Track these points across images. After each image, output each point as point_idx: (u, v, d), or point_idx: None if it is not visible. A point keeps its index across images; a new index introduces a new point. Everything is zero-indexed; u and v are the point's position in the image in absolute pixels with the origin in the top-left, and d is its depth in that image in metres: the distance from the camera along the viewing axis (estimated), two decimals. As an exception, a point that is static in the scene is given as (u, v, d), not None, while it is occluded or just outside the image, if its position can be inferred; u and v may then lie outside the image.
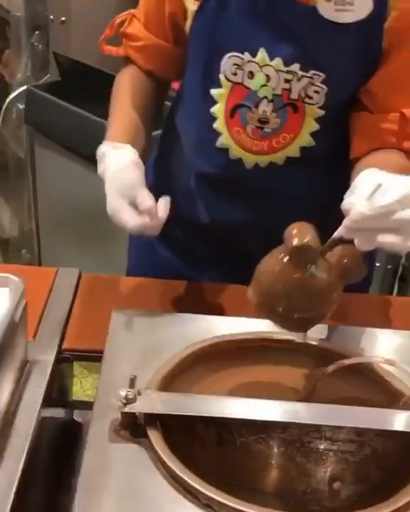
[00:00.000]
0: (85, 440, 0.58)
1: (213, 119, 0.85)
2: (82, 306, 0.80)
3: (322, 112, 0.81)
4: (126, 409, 0.58)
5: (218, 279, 0.90)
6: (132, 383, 0.59)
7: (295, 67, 0.79)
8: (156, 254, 0.96)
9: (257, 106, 0.82)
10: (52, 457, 0.68)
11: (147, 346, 0.67)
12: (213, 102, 0.84)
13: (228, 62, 0.81)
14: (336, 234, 0.64)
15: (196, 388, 0.64)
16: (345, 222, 0.63)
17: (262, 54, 0.79)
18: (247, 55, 0.80)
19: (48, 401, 0.64)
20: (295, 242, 0.63)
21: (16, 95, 1.59)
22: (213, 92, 0.84)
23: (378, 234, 0.62)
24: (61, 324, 0.75)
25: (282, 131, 0.82)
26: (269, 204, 0.88)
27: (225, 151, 0.85)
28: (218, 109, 0.84)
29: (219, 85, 0.83)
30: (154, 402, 0.59)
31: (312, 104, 0.80)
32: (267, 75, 0.80)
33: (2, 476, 0.55)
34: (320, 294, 0.65)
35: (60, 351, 0.72)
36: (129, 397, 0.58)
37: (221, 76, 0.82)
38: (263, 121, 0.82)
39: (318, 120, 0.81)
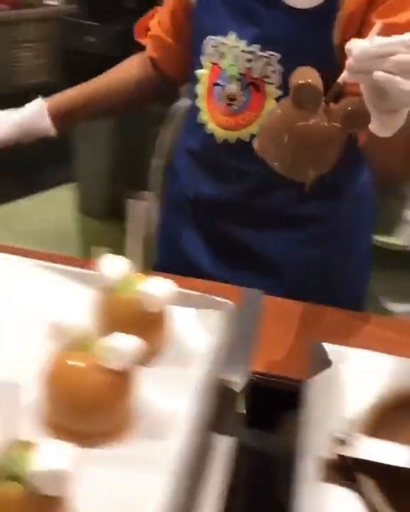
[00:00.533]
0: (291, 474, 0.57)
1: (196, 96, 0.97)
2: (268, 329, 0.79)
3: (280, 92, 0.88)
4: (341, 452, 0.57)
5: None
6: (345, 425, 0.58)
7: (256, 47, 0.89)
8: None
9: (227, 84, 0.92)
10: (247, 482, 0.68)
11: (350, 385, 0.65)
12: (197, 81, 0.96)
13: (207, 44, 0.93)
14: (340, 78, 0.65)
15: (402, 436, 0.62)
16: (348, 62, 0.63)
17: (231, 36, 0.90)
18: (220, 38, 0.91)
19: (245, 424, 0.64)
20: (298, 80, 0.64)
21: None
22: (198, 72, 0.95)
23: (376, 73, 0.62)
24: (252, 347, 0.75)
25: (247, 109, 0.92)
26: (242, 182, 0.95)
27: (202, 126, 0.96)
28: (199, 88, 0.96)
29: (201, 66, 0.95)
30: (369, 448, 0.57)
31: (271, 84, 0.89)
32: (234, 56, 0.90)
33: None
34: (321, 137, 0.66)
35: (251, 375, 0.71)
36: (342, 438, 0.57)
37: (202, 57, 0.94)
38: (232, 99, 0.92)
39: (278, 100, 0.88)
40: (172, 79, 1.05)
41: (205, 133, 0.96)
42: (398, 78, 0.63)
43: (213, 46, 0.92)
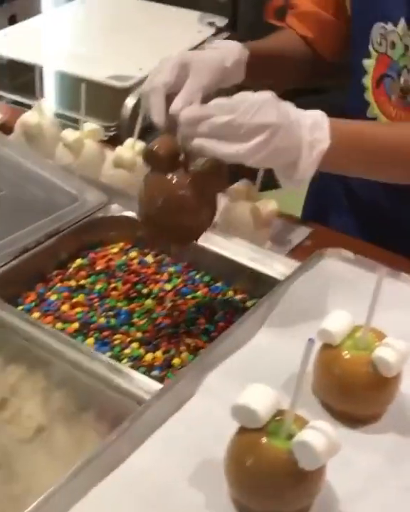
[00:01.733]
0: None
1: (364, 89, 0.90)
2: None
3: None
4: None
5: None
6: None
7: None
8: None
9: (399, 76, 0.85)
10: None
11: None
12: (364, 73, 0.89)
13: (374, 32, 0.85)
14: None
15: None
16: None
17: (402, 24, 0.82)
18: (390, 26, 0.83)
19: None
20: (147, 147, 0.71)
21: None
22: (365, 62, 0.88)
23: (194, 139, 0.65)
24: None
25: None
26: None
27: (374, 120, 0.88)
28: (367, 80, 0.90)
29: (369, 56, 0.87)
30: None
31: None
32: (405, 45, 0.83)
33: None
34: (177, 199, 0.70)
35: None
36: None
37: (370, 46, 0.87)
38: (405, 91, 0.86)
39: None
40: (326, 63, 0.91)
41: None
42: (214, 142, 0.64)
43: (380, 34, 0.82)
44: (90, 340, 0.83)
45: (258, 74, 0.86)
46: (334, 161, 0.71)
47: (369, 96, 0.91)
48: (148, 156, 0.72)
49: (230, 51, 0.82)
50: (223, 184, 0.74)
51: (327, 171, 0.74)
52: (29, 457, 0.71)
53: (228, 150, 0.65)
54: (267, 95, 0.67)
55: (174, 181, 0.71)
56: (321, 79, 1.00)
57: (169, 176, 0.71)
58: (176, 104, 0.70)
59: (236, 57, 0.81)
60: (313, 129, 0.69)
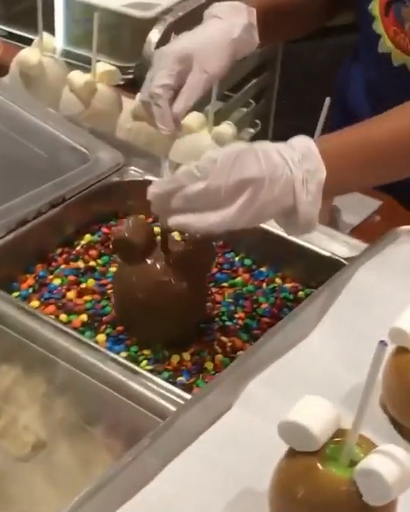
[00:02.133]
0: None
1: (372, 19, 0.96)
2: None
3: None
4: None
5: None
6: None
7: None
8: None
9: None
10: None
11: None
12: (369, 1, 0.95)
13: None
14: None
15: None
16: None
17: None
18: None
19: None
20: (114, 235, 0.80)
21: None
22: None
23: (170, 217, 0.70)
24: None
25: None
26: None
27: (386, 55, 0.95)
28: (374, 6, 0.95)
29: None
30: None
31: None
32: None
33: None
34: (162, 290, 0.78)
35: None
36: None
37: None
38: None
39: None
40: None
41: (388, 63, 0.92)
42: (193, 217, 0.68)
43: None
44: (102, 337, 0.84)
45: (272, 32, 0.93)
46: (339, 185, 0.75)
47: (378, 26, 0.97)
48: (119, 245, 0.78)
49: (236, 17, 0.89)
50: (212, 261, 0.80)
51: (336, 196, 0.80)
52: (25, 479, 0.72)
53: (212, 220, 0.68)
54: (238, 146, 0.71)
55: (154, 269, 0.78)
56: (338, 14, 1.06)
57: (148, 263, 0.78)
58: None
59: (244, 23, 0.88)
60: (303, 162, 0.71)
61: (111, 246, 0.83)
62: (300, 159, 0.71)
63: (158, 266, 0.78)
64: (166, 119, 0.81)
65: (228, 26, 0.87)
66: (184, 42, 0.86)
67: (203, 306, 0.83)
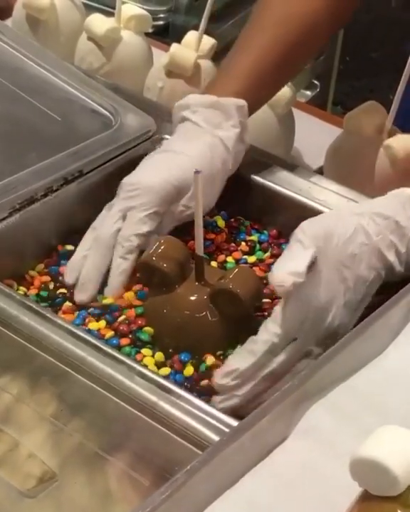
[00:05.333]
0: None
1: None
2: None
3: None
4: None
5: None
6: None
7: None
8: None
9: None
10: None
11: None
12: None
13: None
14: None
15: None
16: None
17: None
18: None
19: None
20: (143, 259, 0.84)
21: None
22: None
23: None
24: None
25: None
26: None
27: None
28: None
29: None
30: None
31: None
32: None
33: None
34: (194, 322, 0.83)
35: None
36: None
37: None
38: None
39: None
40: None
41: None
42: None
43: None
44: (127, 345, 0.84)
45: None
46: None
47: None
48: (146, 271, 0.83)
49: (222, 129, 0.96)
50: (256, 297, 0.83)
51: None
52: (30, 519, 0.73)
53: None
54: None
55: (187, 301, 0.82)
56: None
57: (180, 293, 0.83)
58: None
59: (235, 133, 0.95)
60: None
61: (138, 271, 0.86)
62: None
63: (191, 298, 0.82)
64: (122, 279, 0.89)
65: (219, 147, 0.95)
66: (168, 173, 0.91)
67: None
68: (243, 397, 0.80)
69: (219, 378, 0.79)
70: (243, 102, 0.95)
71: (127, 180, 0.91)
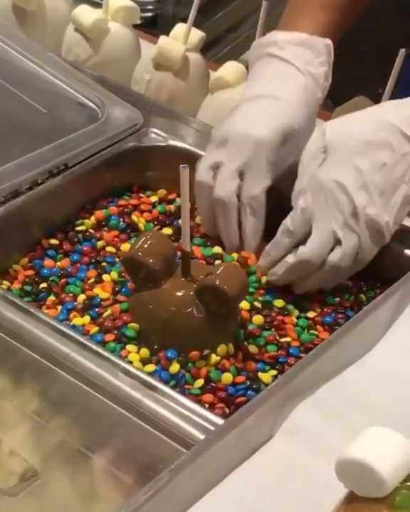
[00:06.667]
0: None
1: None
2: None
3: None
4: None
5: None
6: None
7: None
8: None
9: None
10: None
11: None
12: None
13: None
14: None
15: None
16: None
17: None
18: None
19: None
20: (129, 253, 0.82)
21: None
22: None
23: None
24: None
25: None
26: None
27: None
28: None
29: None
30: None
31: None
32: None
33: None
34: (180, 318, 0.81)
35: None
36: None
37: None
38: None
39: None
40: None
41: None
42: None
43: None
44: (112, 341, 0.83)
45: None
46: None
47: None
48: (132, 266, 0.81)
49: (313, 65, 0.95)
50: (242, 292, 0.81)
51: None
52: (12, 517, 0.72)
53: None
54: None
55: (173, 297, 0.81)
56: None
57: (166, 288, 0.81)
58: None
59: (324, 71, 0.96)
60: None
61: (124, 267, 0.85)
62: None
63: (178, 293, 0.81)
64: (234, 239, 0.91)
65: (311, 86, 0.94)
66: (275, 122, 0.90)
67: (233, 330, 0.84)
68: (281, 276, 0.87)
69: (261, 259, 0.88)
70: (329, 41, 0.95)
71: (234, 133, 0.90)
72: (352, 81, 1.80)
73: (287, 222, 0.85)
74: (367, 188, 0.83)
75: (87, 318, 0.85)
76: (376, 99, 1.02)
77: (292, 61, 0.93)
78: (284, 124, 0.90)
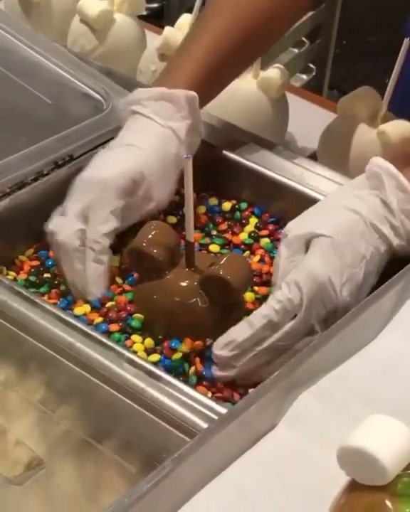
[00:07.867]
0: None
1: None
2: None
3: None
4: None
5: None
6: None
7: None
8: None
9: None
10: None
11: None
12: None
13: None
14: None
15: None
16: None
17: None
18: None
19: None
20: (133, 245, 0.82)
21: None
22: None
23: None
24: None
25: None
26: None
27: None
28: None
29: None
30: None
31: None
32: None
33: None
34: (184, 309, 0.82)
35: None
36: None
37: None
38: None
39: None
40: None
41: None
42: None
43: None
44: (117, 331, 0.84)
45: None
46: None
47: None
48: (136, 256, 0.82)
49: (174, 120, 0.93)
50: (246, 283, 0.82)
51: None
52: (18, 506, 0.72)
53: None
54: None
55: (177, 287, 0.82)
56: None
57: (170, 279, 0.82)
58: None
59: (187, 123, 0.93)
60: None
61: (128, 257, 0.85)
62: None
63: (182, 284, 0.81)
64: (79, 286, 0.87)
65: (171, 139, 0.92)
66: (123, 166, 0.88)
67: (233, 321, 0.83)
68: (240, 369, 0.80)
69: (217, 348, 0.80)
70: (192, 93, 0.93)
71: (80, 178, 0.89)
72: (359, 71, 1.80)
73: (271, 314, 0.80)
74: (350, 284, 0.82)
75: (87, 307, 0.85)
76: (383, 89, 1.02)
77: (152, 116, 0.92)
78: (133, 169, 0.88)
